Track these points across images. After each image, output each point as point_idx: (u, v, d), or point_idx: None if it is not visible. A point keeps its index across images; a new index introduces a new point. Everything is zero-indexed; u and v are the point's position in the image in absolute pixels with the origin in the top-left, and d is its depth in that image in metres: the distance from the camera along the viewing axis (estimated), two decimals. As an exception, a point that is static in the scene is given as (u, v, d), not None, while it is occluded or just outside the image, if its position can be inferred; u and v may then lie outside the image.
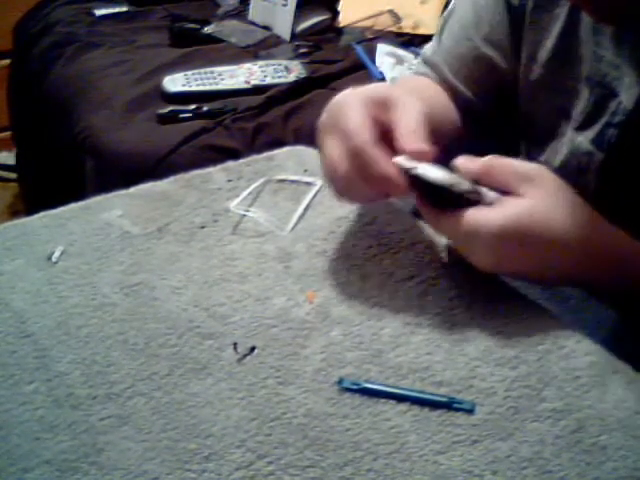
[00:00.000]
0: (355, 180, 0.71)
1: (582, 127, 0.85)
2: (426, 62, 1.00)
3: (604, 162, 0.83)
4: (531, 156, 0.92)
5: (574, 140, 0.85)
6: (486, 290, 0.74)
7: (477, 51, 0.93)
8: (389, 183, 0.70)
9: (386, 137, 0.72)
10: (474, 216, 0.68)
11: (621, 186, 0.82)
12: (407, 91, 0.77)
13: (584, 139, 0.84)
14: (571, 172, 0.84)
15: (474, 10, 0.94)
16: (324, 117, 0.77)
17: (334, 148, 0.72)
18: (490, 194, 0.70)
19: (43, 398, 0.64)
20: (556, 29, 0.86)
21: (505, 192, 0.69)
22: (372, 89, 0.76)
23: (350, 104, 0.73)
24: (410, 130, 0.71)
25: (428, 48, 1.02)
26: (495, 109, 0.97)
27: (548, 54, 0.87)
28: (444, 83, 0.97)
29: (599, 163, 0.83)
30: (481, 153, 0.94)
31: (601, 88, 0.82)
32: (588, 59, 0.83)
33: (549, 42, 0.87)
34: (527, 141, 0.95)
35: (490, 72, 0.94)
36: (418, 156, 0.69)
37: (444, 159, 0.72)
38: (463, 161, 0.71)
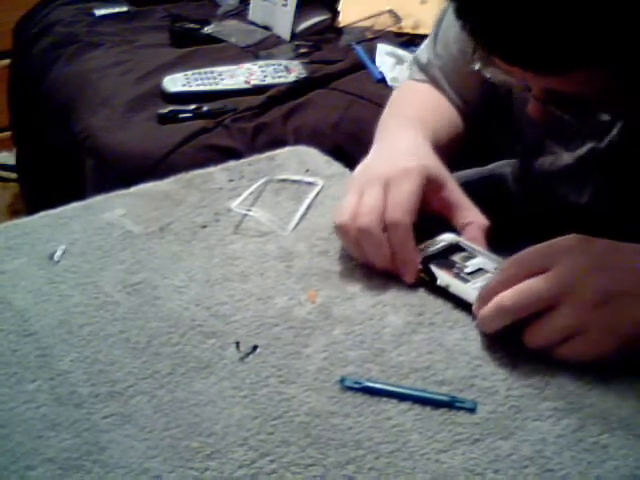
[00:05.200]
0: (372, 230, 0.74)
1: (569, 147, 0.85)
2: (422, 70, 1.00)
3: (591, 180, 0.83)
4: (524, 161, 0.92)
5: (562, 157, 0.86)
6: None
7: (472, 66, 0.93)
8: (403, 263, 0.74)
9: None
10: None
11: (610, 201, 0.83)
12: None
13: (570, 157, 0.84)
14: (560, 180, 0.84)
15: None
16: (371, 160, 0.81)
17: (376, 197, 0.75)
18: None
19: (45, 396, 0.64)
20: None
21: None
22: (429, 164, 0.79)
23: (411, 173, 0.76)
24: (477, 236, 0.77)
25: (421, 53, 1.01)
26: (490, 119, 0.96)
27: None
28: (444, 93, 0.97)
29: (586, 180, 0.84)
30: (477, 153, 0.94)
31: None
32: None
33: None
34: (521, 149, 0.95)
35: (486, 85, 0.94)
36: None
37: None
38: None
